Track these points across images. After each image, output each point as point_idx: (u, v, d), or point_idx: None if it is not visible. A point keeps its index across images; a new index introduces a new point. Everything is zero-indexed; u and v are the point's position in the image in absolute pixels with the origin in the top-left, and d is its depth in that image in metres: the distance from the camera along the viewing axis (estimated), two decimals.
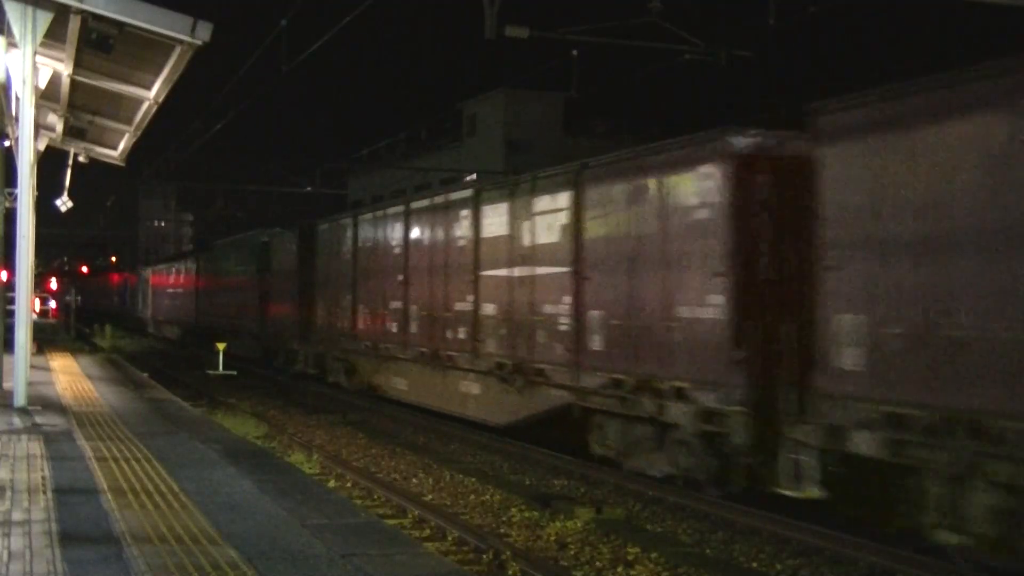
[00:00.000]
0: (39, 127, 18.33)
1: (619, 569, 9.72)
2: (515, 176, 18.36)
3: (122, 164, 23.41)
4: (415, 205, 21.37)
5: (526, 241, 16.46)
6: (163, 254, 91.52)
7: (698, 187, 12.59)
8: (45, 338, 38.22)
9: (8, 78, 15.24)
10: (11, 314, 16.50)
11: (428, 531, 11.10)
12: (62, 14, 13.04)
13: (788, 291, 11.68)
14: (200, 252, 47.70)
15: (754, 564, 10.07)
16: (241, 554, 7.01)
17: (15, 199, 15.17)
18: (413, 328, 20.80)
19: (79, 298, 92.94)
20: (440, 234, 19.85)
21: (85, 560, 6.74)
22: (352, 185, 62.48)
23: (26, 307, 14.38)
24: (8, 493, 8.84)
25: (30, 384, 14.70)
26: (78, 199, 31.56)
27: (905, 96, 9.92)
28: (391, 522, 10.77)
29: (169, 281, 52.23)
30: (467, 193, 19.04)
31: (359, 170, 60.05)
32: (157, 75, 15.26)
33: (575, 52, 20.92)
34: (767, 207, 12.03)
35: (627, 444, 13.98)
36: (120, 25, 12.65)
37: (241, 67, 21.00)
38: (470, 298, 18.26)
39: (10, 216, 17.93)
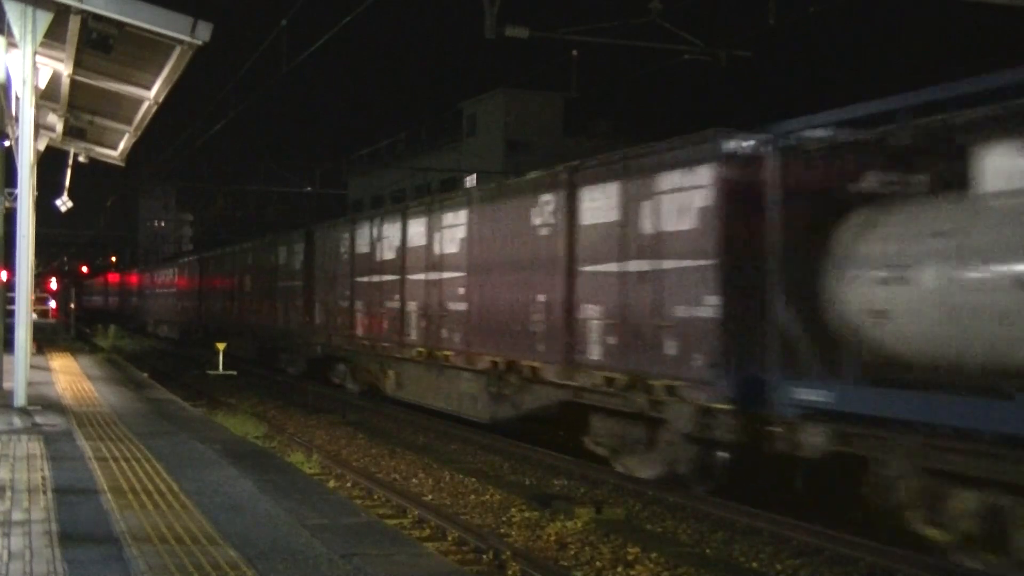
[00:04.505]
0: (39, 127, 18.32)
1: (619, 569, 9.72)
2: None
3: (122, 164, 23.42)
4: None
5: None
6: (163, 254, 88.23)
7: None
8: (45, 338, 38.24)
9: (8, 78, 15.24)
10: (11, 314, 16.50)
11: (428, 531, 11.10)
12: (62, 14, 13.03)
13: None
14: None
15: (754, 564, 10.06)
16: (241, 554, 7.00)
17: (15, 199, 15.17)
18: None
19: (132, 300, 79.75)
20: None
21: (85, 560, 6.74)
22: (352, 185, 62.52)
23: (26, 307, 14.38)
24: (8, 493, 8.84)
25: (30, 384, 14.70)
26: (78, 199, 31.55)
27: None
28: (391, 522, 10.77)
29: None
30: None
31: (359, 170, 60.06)
32: (157, 75, 15.26)
33: (575, 52, 20.94)
34: None
35: None
36: (120, 25, 12.64)
37: (241, 67, 21.03)
38: None
39: (10, 216, 17.93)
